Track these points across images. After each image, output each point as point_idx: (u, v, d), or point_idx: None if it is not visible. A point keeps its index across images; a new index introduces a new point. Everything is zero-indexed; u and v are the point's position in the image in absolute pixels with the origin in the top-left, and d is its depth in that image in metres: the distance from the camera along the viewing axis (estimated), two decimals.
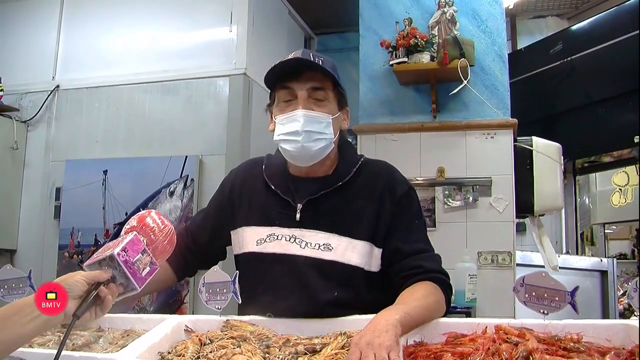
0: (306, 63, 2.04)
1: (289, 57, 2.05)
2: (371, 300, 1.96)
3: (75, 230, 4.82)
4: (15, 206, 5.14)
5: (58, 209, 4.94)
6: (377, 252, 2.07)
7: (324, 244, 2.04)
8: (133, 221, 1.75)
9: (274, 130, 2.14)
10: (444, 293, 1.96)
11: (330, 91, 2.10)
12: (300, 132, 2.02)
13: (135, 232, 1.67)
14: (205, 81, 4.74)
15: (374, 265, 2.07)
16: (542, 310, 1.69)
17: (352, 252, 2.03)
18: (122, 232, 1.72)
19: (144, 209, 4.41)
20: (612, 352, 1.48)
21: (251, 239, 2.15)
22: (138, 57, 5.01)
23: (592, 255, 7.09)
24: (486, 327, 1.68)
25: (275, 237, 2.10)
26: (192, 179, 4.53)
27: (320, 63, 2.04)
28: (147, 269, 1.63)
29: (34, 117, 5.16)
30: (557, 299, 1.68)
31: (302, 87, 2.05)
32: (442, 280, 1.99)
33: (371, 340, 1.47)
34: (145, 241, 1.68)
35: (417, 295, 1.85)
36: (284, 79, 2.08)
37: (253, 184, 2.24)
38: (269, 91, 2.19)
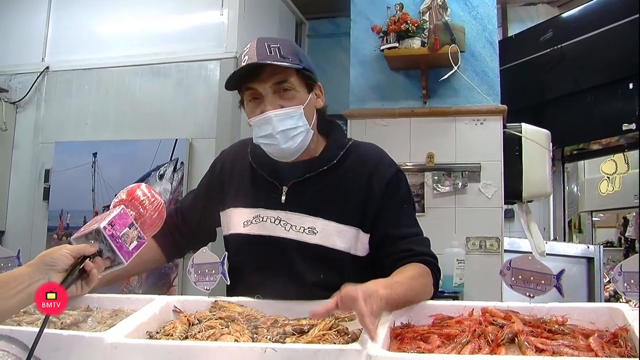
0: (262, 65, 1.97)
1: (244, 63, 1.97)
2: (359, 283, 1.97)
3: (64, 212, 4.81)
4: (4, 188, 5.13)
5: (47, 191, 4.94)
6: (364, 237, 2.07)
7: (308, 228, 2.04)
8: (122, 194, 1.74)
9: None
10: (433, 275, 1.97)
11: (295, 78, 2.03)
12: (275, 134, 1.99)
13: (123, 206, 1.67)
14: (196, 64, 4.74)
15: (361, 250, 2.07)
16: (528, 294, 1.71)
17: (337, 236, 2.03)
18: (112, 205, 1.72)
19: None
20: (596, 334, 1.49)
21: (238, 220, 2.16)
22: (129, 39, 4.99)
23: (579, 243, 7.13)
24: (473, 310, 1.70)
25: (261, 219, 2.11)
26: (182, 162, 4.54)
27: (278, 51, 1.98)
28: (134, 242, 1.63)
29: (23, 98, 5.14)
30: (542, 282, 1.70)
31: (265, 85, 1.99)
32: (431, 263, 2.00)
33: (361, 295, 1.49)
34: (133, 215, 1.68)
35: (406, 276, 1.85)
36: (244, 80, 2.02)
37: (242, 165, 2.24)
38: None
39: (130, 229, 1.63)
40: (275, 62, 1.95)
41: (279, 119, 1.98)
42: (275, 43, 2.01)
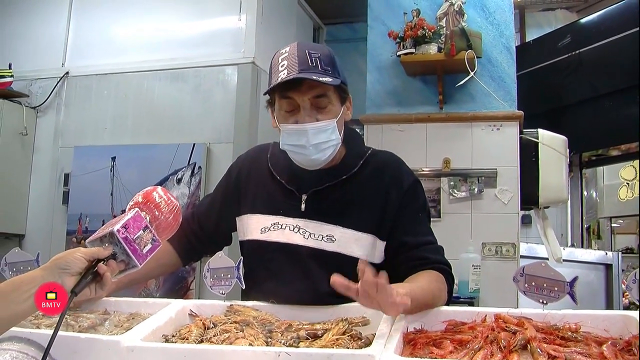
0: (307, 79, 1.95)
1: (283, 68, 1.96)
2: None
3: (83, 216, 4.85)
4: (24, 191, 5.18)
5: (66, 195, 4.98)
6: (381, 244, 2.07)
7: (327, 236, 2.05)
8: (138, 197, 1.74)
9: (276, 127, 2.11)
10: (447, 283, 1.98)
11: (333, 92, 2.03)
12: (308, 146, 1.99)
13: (137, 209, 1.67)
14: (214, 69, 4.76)
15: (377, 257, 2.07)
16: (541, 300, 1.71)
17: (355, 244, 2.04)
18: (127, 208, 1.72)
19: None
20: (609, 342, 1.49)
21: (255, 226, 2.16)
22: (147, 44, 5.03)
23: (598, 249, 7.08)
24: (485, 316, 1.70)
25: (280, 227, 2.11)
26: (199, 167, 4.56)
27: (320, 62, 1.97)
28: (149, 245, 1.63)
29: (43, 103, 5.19)
30: (556, 289, 1.69)
31: (304, 98, 1.98)
32: (445, 271, 2.01)
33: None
34: (148, 218, 1.67)
35: (422, 280, 1.88)
36: (283, 89, 2.00)
37: (259, 171, 2.25)
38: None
39: (144, 231, 1.62)
40: (321, 79, 1.94)
41: (314, 132, 1.99)
42: (316, 52, 2.00)
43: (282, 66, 1.98)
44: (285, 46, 2.05)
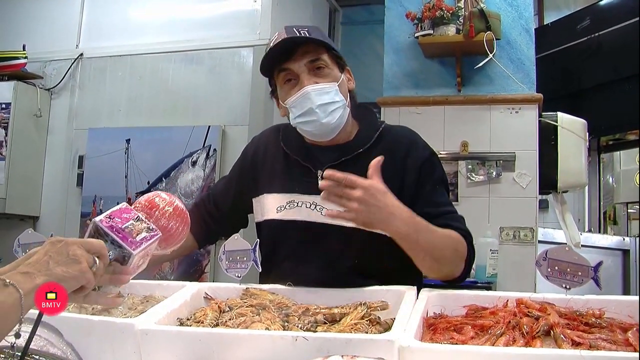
0: (295, 40, 2.03)
1: (276, 41, 2.04)
2: (392, 267, 1.96)
3: (98, 198, 4.86)
4: (39, 173, 5.19)
5: (81, 177, 4.99)
6: None
7: (344, 211, 2.02)
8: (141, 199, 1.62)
9: (286, 115, 2.14)
10: (467, 249, 1.97)
11: (327, 56, 2.08)
12: (315, 108, 2.00)
13: (125, 203, 1.52)
14: (229, 51, 4.75)
15: None
16: (564, 285, 1.68)
17: None
18: None
19: (166, 178, 4.42)
20: (635, 329, 1.46)
21: (272, 206, 2.15)
22: (162, 26, 5.01)
23: (614, 235, 7.04)
24: (507, 301, 1.67)
25: (296, 204, 2.10)
26: (214, 149, 4.55)
27: (307, 34, 2.03)
28: (143, 234, 1.45)
29: (57, 84, 5.19)
30: (579, 274, 1.66)
31: (300, 64, 2.03)
32: (467, 237, 1.99)
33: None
34: (144, 215, 1.51)
35: (440, 229, 1.90)
36: (278, 62, 2.06)
37: (275, 151, 2.24)
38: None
39: (136, 222, 1.46)
40: (306, 35, 2.02)
41: (317, 93, 2.00)
42: (303, 28, 2.06)
43: (273, 46, 2.06)
44: None
